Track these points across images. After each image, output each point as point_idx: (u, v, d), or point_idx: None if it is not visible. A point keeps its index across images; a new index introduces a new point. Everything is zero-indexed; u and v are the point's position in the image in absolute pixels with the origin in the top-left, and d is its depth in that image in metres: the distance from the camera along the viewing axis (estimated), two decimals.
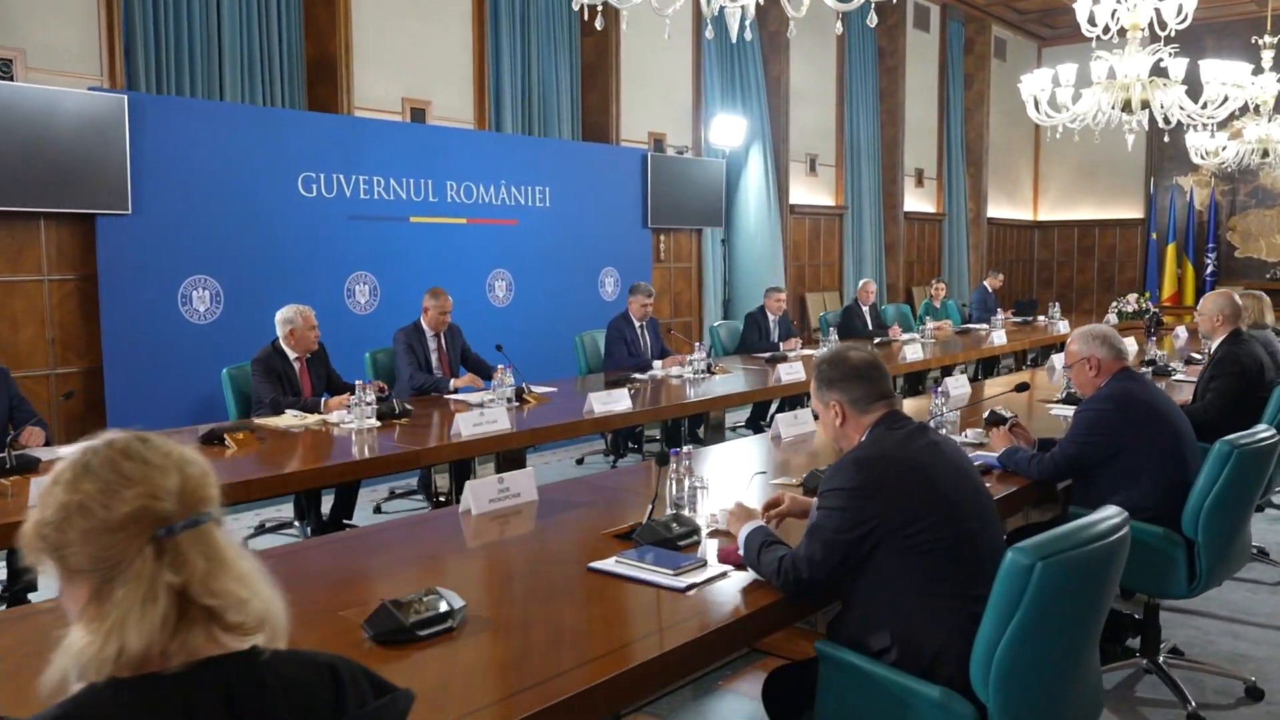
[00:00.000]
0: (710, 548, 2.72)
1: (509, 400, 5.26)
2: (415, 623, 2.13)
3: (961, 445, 3.32)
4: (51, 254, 6.35)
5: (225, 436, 4.09)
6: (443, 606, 2.21)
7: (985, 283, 11.36)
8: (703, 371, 6.44)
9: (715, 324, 8.30)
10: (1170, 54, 8.00)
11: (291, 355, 4.95)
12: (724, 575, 2.56)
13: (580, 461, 7.46)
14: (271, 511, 5.83)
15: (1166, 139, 10.87)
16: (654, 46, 10.62)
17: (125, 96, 6.37)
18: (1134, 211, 17.07)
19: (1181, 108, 8.37)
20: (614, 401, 5.10)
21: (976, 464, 3.08)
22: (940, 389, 4.51)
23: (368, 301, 7.83)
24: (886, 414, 2.49)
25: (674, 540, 2.75)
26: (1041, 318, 11.14)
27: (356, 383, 4.50)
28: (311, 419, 4.59)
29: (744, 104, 11.71)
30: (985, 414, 4.61)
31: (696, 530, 2.83)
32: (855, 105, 13.48)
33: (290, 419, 4.66)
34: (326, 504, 4.97)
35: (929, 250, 15.37)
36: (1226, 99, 8.51)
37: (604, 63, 10.07)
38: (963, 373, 5.45)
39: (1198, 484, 3.30)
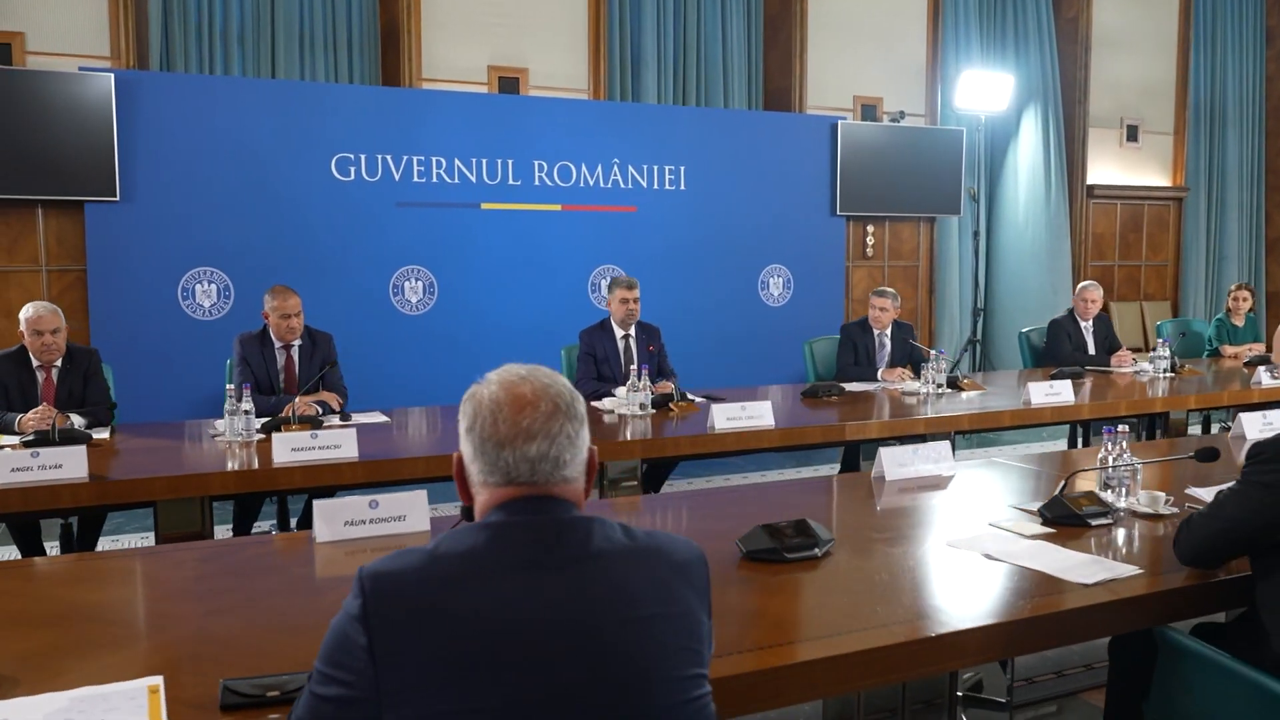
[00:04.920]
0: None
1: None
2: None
3: None
4: (50, 243, 6.13)
5: None
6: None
7: None
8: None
9: (810, 340, 6.18)
10: None
11: (34, 362, 4.09)
12: None
13: None
14: None
15: None
16: None
17: (112, 75, 5.96)
18: None
19: None
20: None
21: None
22: None
23: (420, 300, 6.85)
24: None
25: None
26: None
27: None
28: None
29: (1017, 55, 9.05)
30: None
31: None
32: (1213, 52, 9.98)
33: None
34: None
35: None
36: None
37: (788, 11, 8.17)
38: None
39: None
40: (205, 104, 6.21)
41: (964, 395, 5.06)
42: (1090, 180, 9.41)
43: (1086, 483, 3.00)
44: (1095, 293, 6.41)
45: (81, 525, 3.98)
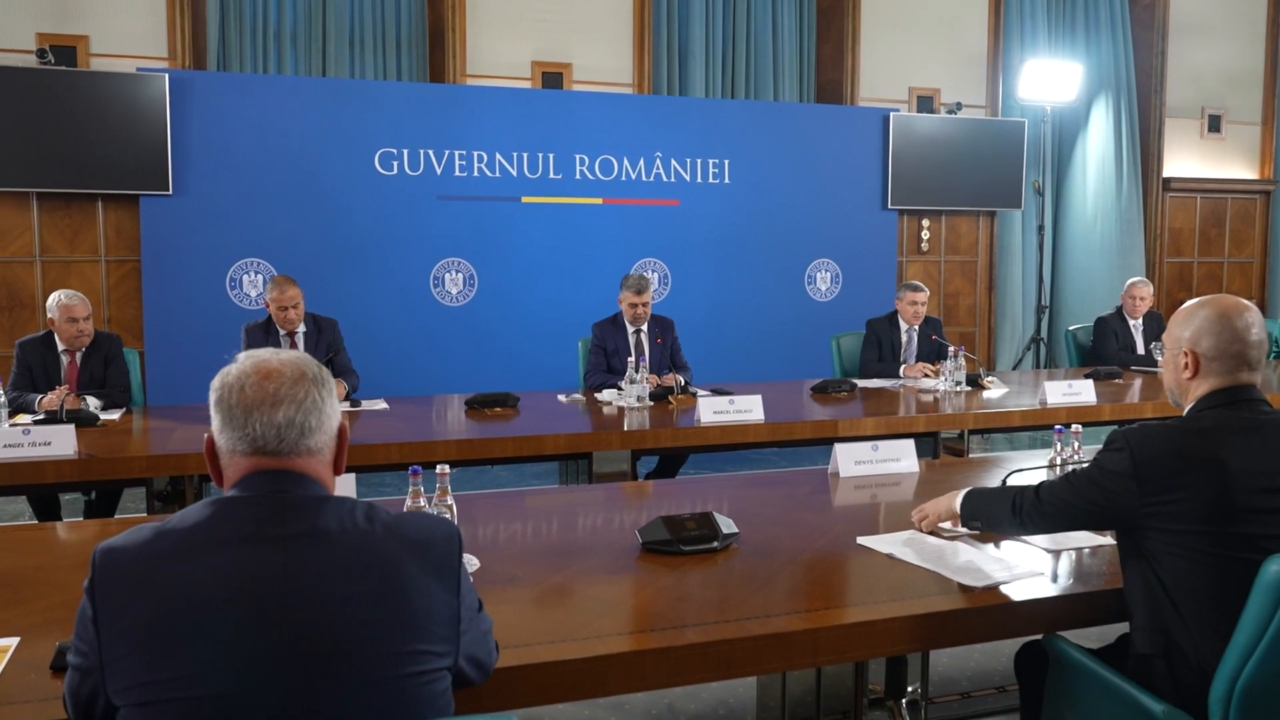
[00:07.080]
0: None
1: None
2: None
3: None
4: (109, 235, 6.46)
5: None
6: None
7: None
8: None
9: (837, 335, 6.05)
10: None
11: (60, 346, 4.33)
12: None
13: None
14: None
15: None
16: None
17: (166, 75, 6.25)
18: None
19: None
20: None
21: None
22: None
23: (461, 292, 6.98)
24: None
25: None
26: None
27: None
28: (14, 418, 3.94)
29: (1088, 43, 8.74)
30: None
31: None
32: None
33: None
34: None
35: None
36: None
37: (840, 1, 8.04)
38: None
39: None
40: (253, 102, 6.45)
41: (983, 393, 4.93)
42: (1167, 173, 9.03)
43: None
44: (1144, 290, 6.15)
45: (98, 500, 4.21)
